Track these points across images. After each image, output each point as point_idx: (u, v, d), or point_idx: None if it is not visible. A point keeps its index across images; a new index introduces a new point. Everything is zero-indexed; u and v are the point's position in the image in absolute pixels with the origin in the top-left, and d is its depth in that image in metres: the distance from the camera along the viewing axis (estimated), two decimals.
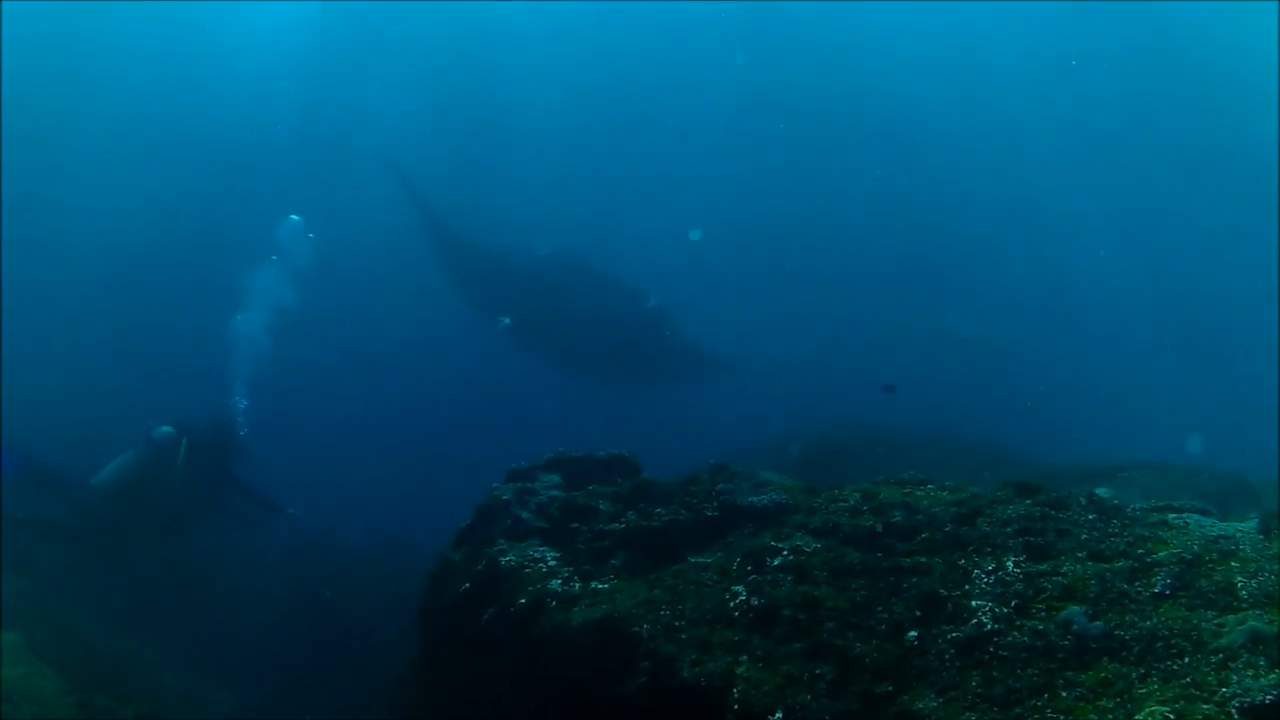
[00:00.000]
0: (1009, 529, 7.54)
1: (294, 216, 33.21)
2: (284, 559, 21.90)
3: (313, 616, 19.45)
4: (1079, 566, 7.10)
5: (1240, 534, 7.82)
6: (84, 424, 25.62)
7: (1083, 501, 7.96)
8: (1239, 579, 6.96)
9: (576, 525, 8.59)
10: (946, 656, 6.56)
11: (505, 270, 26.50)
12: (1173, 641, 6.43)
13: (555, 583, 8.04)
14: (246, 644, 18.48)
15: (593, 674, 7.36)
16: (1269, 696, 5.42)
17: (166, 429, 18.18)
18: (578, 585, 7.98)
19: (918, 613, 6.88)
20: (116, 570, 18.37)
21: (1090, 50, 44.96)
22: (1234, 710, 5.58)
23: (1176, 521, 7.95)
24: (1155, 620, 6.63)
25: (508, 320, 26.90)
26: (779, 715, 6.36)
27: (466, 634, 8.63)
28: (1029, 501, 7.95)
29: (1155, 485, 14.73)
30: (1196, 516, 8.17)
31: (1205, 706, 5.77)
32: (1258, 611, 6.62)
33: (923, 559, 7.32)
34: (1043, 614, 6.73)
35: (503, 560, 8.47)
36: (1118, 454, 18.33)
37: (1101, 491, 8.81)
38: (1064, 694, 6.13)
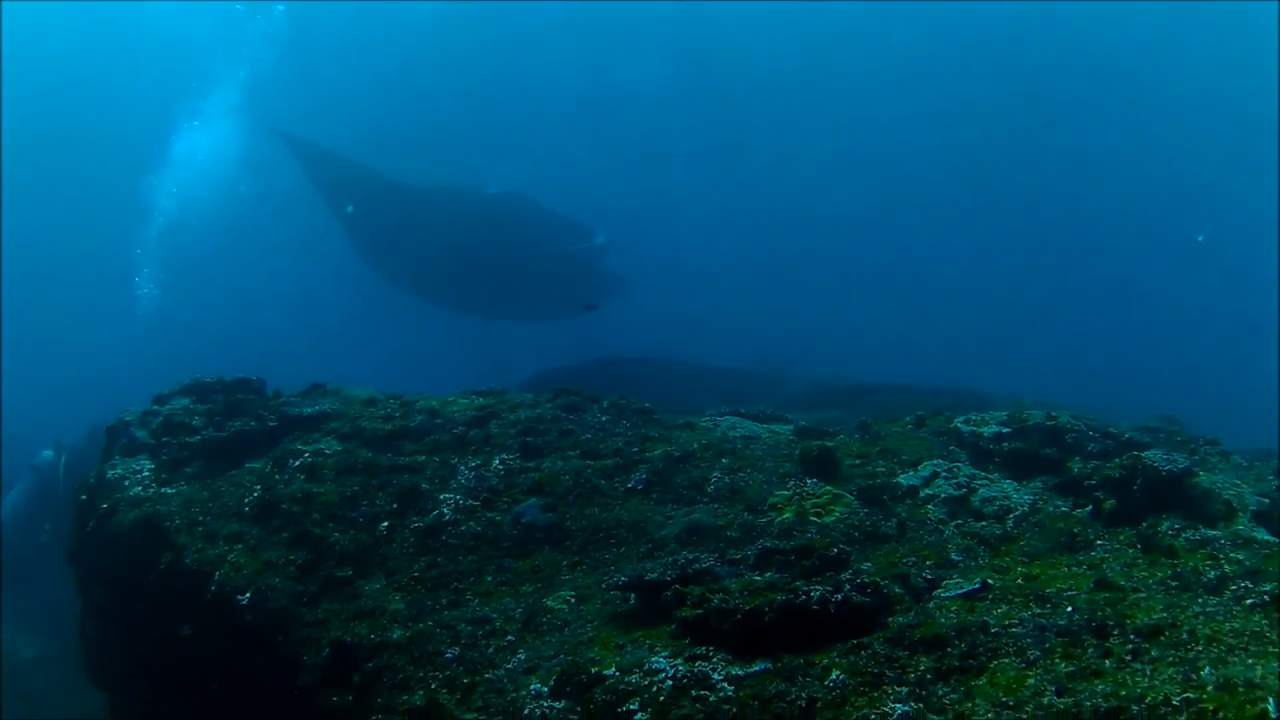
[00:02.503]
0: (514, 430, 7.47)
1: None
2: None
3: None
4: (562, 463, 7.02)
5: (767, 436, 7.73)
6: None
7: (604, 405, 7.87)
8: (716, 474, 6.90)
9: (168, 439, 8.48)
10: (406, 544, 6.51)
11: (456, 210, 24.46)
12: (615, 532, 6.40)
13: (136, 489, 7.95)
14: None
15: (137, 562, 7.35)
16: (624, 577, 5.39)
17: (46, 453, 18.46)
18: (152, 490, 7.90)
19: (395, 505, 6.81)
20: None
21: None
22: (605, 587, 5.57)
23: (705, 424, 7.87)
24: (615, 513, 6.58)
25: (351, 208, 25.66)
26: (248, 595, 6.35)
27: (80, 537, 8.62)
28: (550, 404, 7.86)
29: (894, 401, 14.52)
30: (734, 419, 8.07)
31: (600, 597, 5.71)
32: (716, 506, 6.56)
33: (421, 457, 7.28)
34: (506, 506, 6.65)
35: (109, 474, 8.38)
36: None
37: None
38: (489, 578, 6.09)
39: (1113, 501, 6.52)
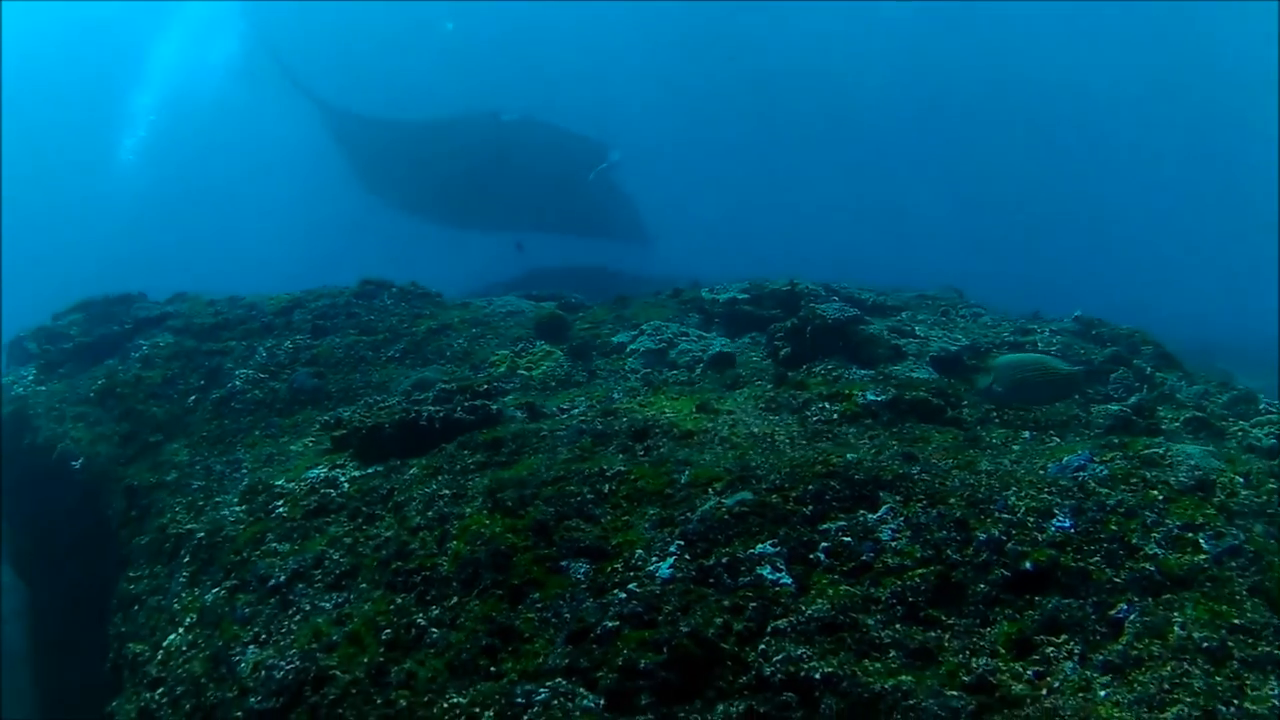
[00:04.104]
0: (310, 316, 8.58)
1: None
2: None
3: None
4: (339, 339, 8.13)
5: (531, 310, 8.78)
6: None
7: (394, 291, 8.94)
8: (460, 341, 8.00)
9: (48, 347, 9.63)
10: (205, 411, 7.63)
11: (472, 139, 24.58)
12: (364, 392, 7.53)
13: (18, 389, 9.14)
14: None
15: (10, 445, 8.56)
16: (327, 417, 6.48)
17: None
18: (29, 389, 9.08)
19: (202, 382, 7.94)
20: None
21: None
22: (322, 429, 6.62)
23: (479, 303, 8.98)
24: (371, 376, 7.71)
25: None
26: (80, 460, 7.55)
27: None
28: (350, 295, 8.93)
29: None
30: (511, 299, 9.14)
31: (327, 438, 6.76)
32: (449, 365, 7.68)
33: (233, 343, 8.39)
34: (286, 377, 7.75)
35: (3, 380, 9.57)
36: None
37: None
38: (258, 433, 7.22)
39: (788, 348, 7.48)
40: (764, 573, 3.73)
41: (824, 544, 3.91)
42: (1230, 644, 3.52)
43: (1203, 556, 4.01)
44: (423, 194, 26.82)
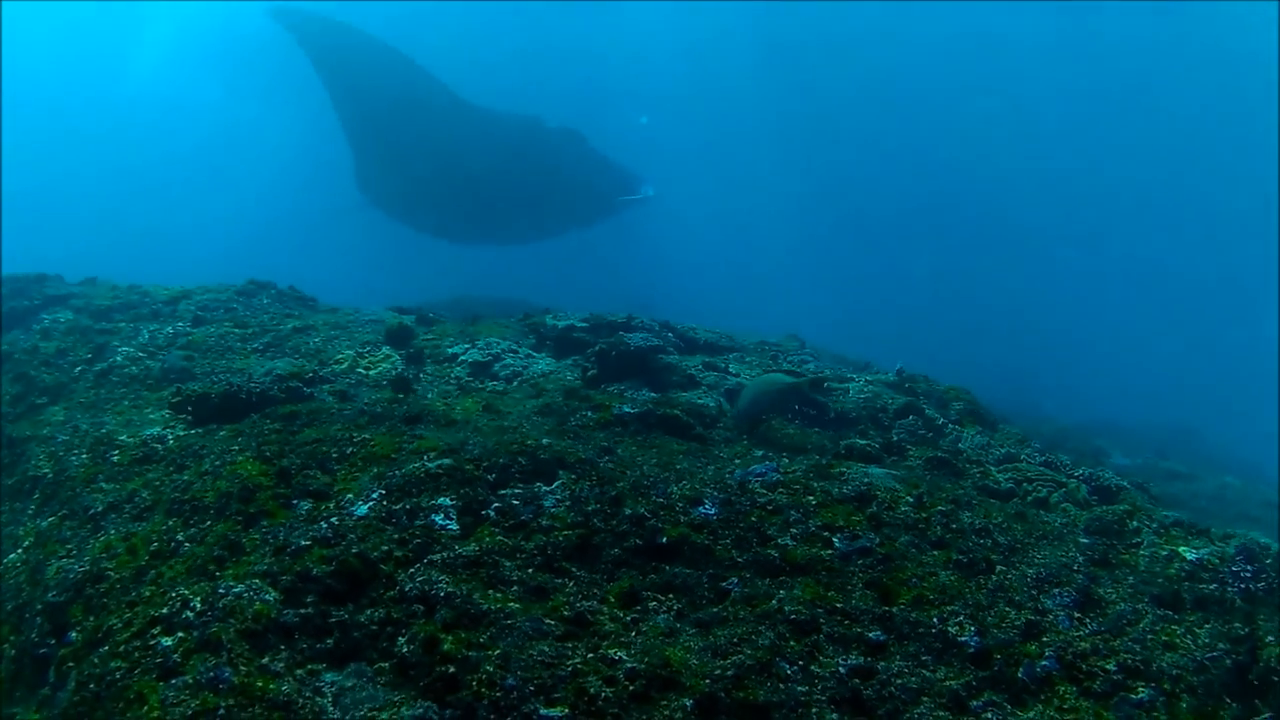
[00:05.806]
0: (194, 308, 9.78)
1: None
2: None
3: None
4: (215, 329, 9.28)
5: (391, 319, 9.93)
6: None
7: (273, 292, 10.13)
8: (316, 340, 9.14)
9: None
10: (88, 382, 8.74)
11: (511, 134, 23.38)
12: (225, 375, 8.56)
13: None
14: None
15: None
16: (179, 385, 7.55)
17: None
18: None
19: (90, 356, 9.06)
20: None
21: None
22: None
23: (346, 309, 10.12)
24: (234, 363, 8.84)
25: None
26: None
27: None
28: (234, 292, 10.11)
29: None
30: (380, 310, 10.30)
31: None
32: (301, 360, 8.76)
33: (123, 324, 9.55)
34: (161, 356, 8.88)
35: None
36: None
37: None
38: (126, 402, 8.31)
39: (595, 370, 8.66)
40: (436, 519, 4.90)
41: (496, 504, 5.08)
42: (821, 621, 4.47)
43: (830, 552, 5.05)
44: (427, 171, 24.31)
